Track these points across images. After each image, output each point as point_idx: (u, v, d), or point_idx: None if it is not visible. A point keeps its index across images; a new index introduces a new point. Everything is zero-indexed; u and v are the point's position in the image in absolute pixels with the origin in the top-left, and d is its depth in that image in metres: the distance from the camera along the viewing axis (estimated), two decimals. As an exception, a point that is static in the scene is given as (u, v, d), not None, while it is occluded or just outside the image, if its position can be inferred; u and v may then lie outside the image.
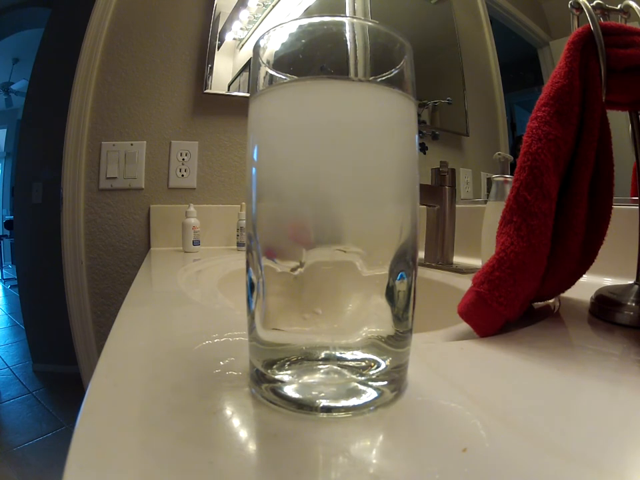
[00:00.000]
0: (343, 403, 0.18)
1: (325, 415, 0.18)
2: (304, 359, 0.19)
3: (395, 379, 0.20)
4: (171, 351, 0.27)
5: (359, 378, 0.19)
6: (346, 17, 0.22)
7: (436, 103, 1.01)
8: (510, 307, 0.30)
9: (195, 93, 1.15)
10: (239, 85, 1.16)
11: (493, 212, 0.55)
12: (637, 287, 0.35)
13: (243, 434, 0.17)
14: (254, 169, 0.20)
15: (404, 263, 0.19)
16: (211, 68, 1.14)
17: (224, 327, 0.33)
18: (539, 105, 0.33)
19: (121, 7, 1.09)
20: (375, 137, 0.19)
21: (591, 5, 0.34)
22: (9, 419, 1.53)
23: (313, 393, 0.18)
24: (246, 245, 0.21)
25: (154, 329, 0.35)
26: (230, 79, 1.16)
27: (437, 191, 0.69)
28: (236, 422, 0.18)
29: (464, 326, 0.33)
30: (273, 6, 1.17)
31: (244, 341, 0.24)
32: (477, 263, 0.67)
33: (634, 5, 0.36)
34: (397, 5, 1.22)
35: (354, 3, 1.21)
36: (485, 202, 0.59)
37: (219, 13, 1.15)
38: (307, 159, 0.19)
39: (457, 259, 0.71)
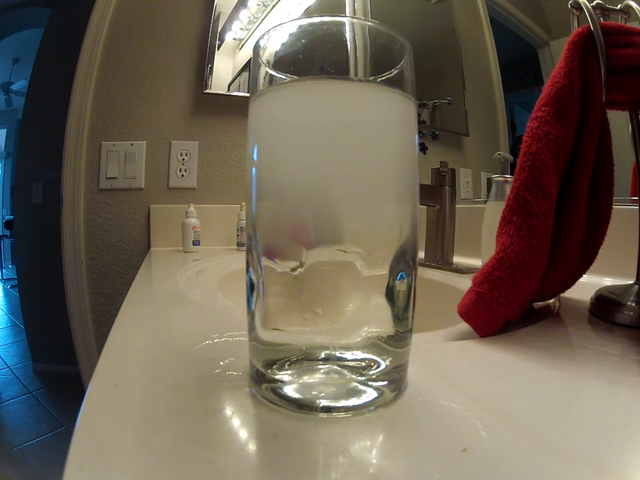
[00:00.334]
0: (343, 402, 0.18)
1: (324, 415, 0.18)
2: (304, 359, 0.19)
3: (395, 379, 0.20)
4: (171, 351, 0.27)
5: (359, 378, 0.19)
6: (346, 17, 0.22)
7: (436, 103, 1.01)
8: (510, 306, 0.30)
9: (194, 93, 1.15)
10: (239, 85, 1.16)
11: (493, 212, 0.55)
12: (636, 286, 0.35)
13: (243, 434, 0.17)
14: (254, 169, 0.20)
15: (404, 263, 0.19)
16: (211, 68, 1.14)
17: (224, 327, 0.33)
18: (539, 105, 0.33)
19: (120, 6, 1.09)
20: (375, 137, 0.19)
21: (591, 5, 0.34)
22: (9, 419, 1.53)
23: (313, 393, 0.18)
24: (246, 245, 0.21)
25: (154, 329, 0.35)
26: (230, 79, 1.16)
27: (436, 191, 0.69)
28: (236, 422, 0.18)
29: (464, 326, 0.33)
30: (273, 6, 1.17)
31: (244, 341, 0.24)
32: (477, 263, 0.67)
33: (634, 5, 0.36)
34: (397, 5, 1.22)
35: (354, 2, 1.21)
36: (485, 202, 0.59)
37: (219, 13, 1.15)
38: (307, 159, 0.19)
39: (457, 259, 0.71)
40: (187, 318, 0.39)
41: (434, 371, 0.24)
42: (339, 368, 0.18)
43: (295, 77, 0.19)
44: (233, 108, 1.16)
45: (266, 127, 0.20)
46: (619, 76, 0.33)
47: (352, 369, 0.19)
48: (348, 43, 0.20)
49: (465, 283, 0.55)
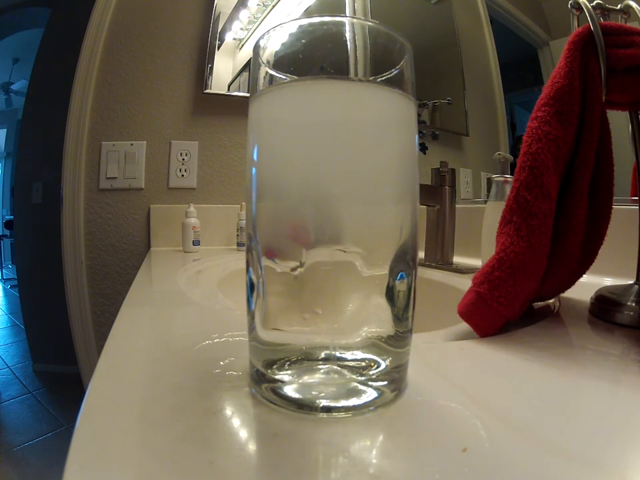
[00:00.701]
0: (343, 403, 0.18)
1: (325, 415, 0.18)
2: (304, 359, 0.19)
3: (395, 379, 0.20)
4: (171, 351, 0.27)
5: (359, 378, 0.19)
6: (346, 17, 0.22)
7: (436, 103, 1.01)
8: (510, 307, 0.30)
9: (195, 93, 1.15)
10: (239, 85, 1.16)
11: (493, 212, 0.55)
12: (637, 286, 0.35)
13: (243, 434, 0.17)
14: (254, 169, 0.20)
15: (404, 263, 0.19)
16: (211, 68, 1.14)
17: (224, 327, 0.33)
18: (539, 105, 0.33)
19: (120, 6, 1.09)
20: (375, 137, 0.19)
21: (591, 5, 0.34)
22: (9, 419, 1.53)
23: (313, 392, 0.18)
24: (246, 245, 0.21)
25: (154, 329, 0.35)
26: (230, 79, 1.16)
27: (436, 191, 0.69)
28: (236, 422, 0.18)
29: (464, 326, 0.33)
30: (273, 6, 1.17)
31: (244, 341, 0.24)
32: (477, 263, 0.67)
33: (634, 5, 0.36)
34: (397, 5, 1.22)
35: (354, 2, 1.21)
36: (485, 202, 0.59)
37: (219, 13, 1.15)
38: (307, 159, 0.19)
39: (457, 259, 0.71)
40: (186, 318, 0.39)
41: (434, 371, 0.24)
42: (338, 368, 0.18)
43: (295, 77, 0.19)
44: (233, 108, 1.16)
45: (266, 127, 0.20)
46: (619, 76, 0.33)
47: (352, 369, 0.19)
48: (348, 42, 0.20)
49: (464, 283, 0.55)
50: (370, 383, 0.19)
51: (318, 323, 0.18)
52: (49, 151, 1.73)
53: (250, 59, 1.14)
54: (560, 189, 0.34)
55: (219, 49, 1.14)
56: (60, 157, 1.07)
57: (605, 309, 0.35)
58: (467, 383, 0.22)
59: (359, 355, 0.19)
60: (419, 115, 0.46)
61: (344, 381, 0.18)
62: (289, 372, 0.19)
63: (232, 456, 0.15)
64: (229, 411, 0.19)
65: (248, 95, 0.36)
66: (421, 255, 0.72)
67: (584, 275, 0.37)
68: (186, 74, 1.14)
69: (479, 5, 0.92)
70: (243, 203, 1.02)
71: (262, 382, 0.19)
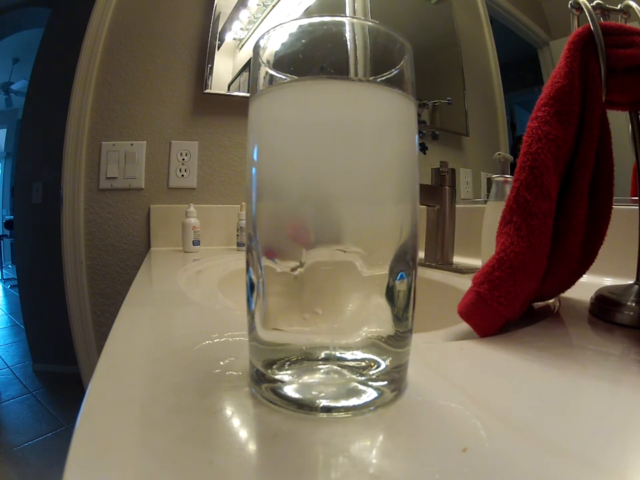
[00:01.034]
0: (343, 403, 0.18)
1: (324, 415, 0.18)
2: (304, 359, 0.19)
3: (395, 379, 0.20)
4: (171, 351, 0.27)
5: (359, 378, 0.19)
6: (346, 16, 0.22)
7: (436, 103, 1.01)
8: (510, 307, 0.30)
9: (195, 93, 1.15)
10: (239, 85, 1.16)
11: (493, 212, 0.55)
12: (637, 287, 0.35)
13: (243, 434, 0.17)
14: (254, 169, 0.20)
15: (404, 263, 0.19)
16: (211, 68, 1.14)
17: (224, 327, 0.33)
18: (539, 105, 0.33)
19: (120, 6, 1.09)
20: (375, 137, 0.19)
21: (591, 5, 0.34)
22: (9, 419, 1.53)
23: (313, 392, 0.18)
24: (246, 245, 0.21)
25: (154, 329, 0.35)
26: (230, 79, 1.16)
27: (436, 191, 0.69)
28: (236, 422, 0.18)
29: (464, 326, 0.33)
30: (273, 6, 1.17)
31: (244, 340, 0.24)
32: (477, 263, 0.67)
33: (634, 5, 0.36)
34: (397, 5, 1.22)
35: (354, 2, 1.21)
36: (485, 202, 0.59)
37: (219, 13, 1.15)
38: (307, 159, 0.19)
39: (457, 259, 0.71)
40: (186, 318, 0.39)
41: (434, 371, 0.24)
42: (339, 368, 0.18)
43: (295, 77, 0.19)
44: (233, 108, 1.16)
45: (266, 127, 0.20)
46: (619, 76, 0.33)
47: (352, 369, 0.19)
48: (348, 42, 0.20)
49: (464, 283, 0.55)
50: (370, 382, 0.19)
51: (318, 323, 0.18)
52: (48, 151, 1.73)
53: (250, 59, 1.14)
54: (560, 189, 0.34)
55: (218, 48, 1.14)
56: (60, 157, 1.07)
57: (605, 308, 0.35)
58: (467, 383, 0.22)
59: (359, 355, 0.19)
60: (419, 115, 0.46)
61: (344, 380, 0.18)
62: (289, 372, 0.19)
63: (232, 456, 0.15)
64: (228, 411, 0.19)
65: (248, 95, 0.36)
66: (421, 254, 0.72)
67: (584, 275, 0.37)
68: (186, 74, 1.14)
69: (479, 5, 0.92)
70: (243, 203, 1.02)
71: (262, 382, 0.19)
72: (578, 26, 0.36)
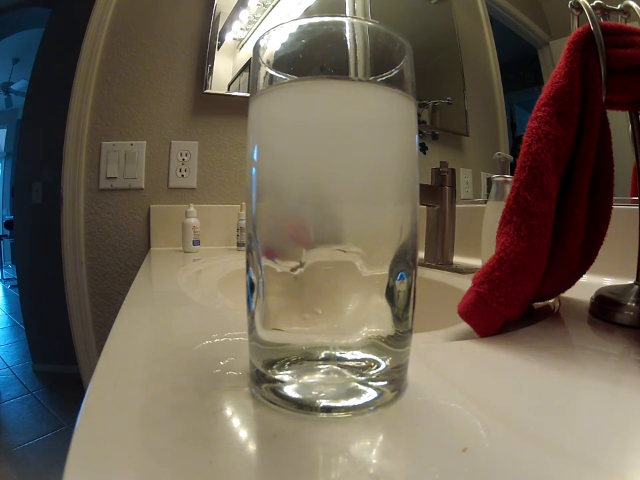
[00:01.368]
0: (343, 403, 0.18)
1: (324, 415, 0.18)
2: (304, 359, 0.19)
3: (395, 379, 0.20)
4: (171, 351, 0.27)
5: (359, 378, 0.19)
6: (346, 17, 0.22)
7: (436, 103, 1.01)
8: (510, 307, 0.30)
9: (195, 93, 1.15)
10: (239, 85, 1.16)
11: (493, 212, 0.55)
12: (636, 287, 0.35)
13: (243, 434, 0.17)
14: (254, 169, 0.20)
15: (404, 263, 0.19)
16: (211, 68, 1.14)
17: (224, 327, 0.33)
18: (539, 105, 0.33)
19: (120, 6, 1.09)
20: (375, 137, 0.19)
21: (591, 5, 0.34)
22: (9, 419, 1.53)
23: (313, 392, 0.18)
24: (246, 245, 0.21)
25: (154, 329, 0.35)
26: (230, 79, 1.16)
27: (436, 191, 0.69)
28: (236, 422, 0.18)
29: (464, 326, 0.33)
30: (273, 6, 1.17)
31: (244, 340, 0.24)
32: (477, 263, 0.67)
33: (634, 5, 0.36)
34: (397, 5, 1.22)
35: (354, 2, 1.21)
36: (485, 202, 0.59)
37: (219, 13, 1.15)
38: (307, 159, 0.19)
39: (457, 259, 0.71)
40: (187, 318, 0.39)
41: (434, 371, 0.24)
42: (339, 368, 0.18)
43: (295, 77, 0.19)
44: (233, 108, 1.16)
45: (266, 127, 0.20)
46: (619, 76, 0.33)
47: (352, 369, 0.19)
48: (348, 42, 0.20)
49: (464, 283, 0.55)
50: (370, 382, 0.19)
51: (318, 323, 0.18)
52: (49, 151, 1.73)
53: (250, 59, 1.14)
54: (560, 189, 0.34)
55: (219, 48, 1.14)
56: (60, 157, 1.07)
57: (605, 308, 0.35)
58: (467, 383, 0.22)
59: (359, 354, 0.19)
60: (419, 115, 0.46)
61: (344, 380, 0.18)
62: (289, 372, 0.19)
63: (232, 456, 0.15)
64: (228, 411, 0.19)
65: (248, 95, 0.36)
66: (421, 254, 0.72)
67: (584, 275, 0.37)
68: (186, 74, 1.14)
69: (479, 5, 0.92)
70: (243, 203, 1.02)
71: (262, 382, 0.19)
72: (578, 26, 0.36)
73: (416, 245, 0.20)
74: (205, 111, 1.15)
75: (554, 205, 0.32)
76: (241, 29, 1.17)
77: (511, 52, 0.86)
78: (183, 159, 1.13)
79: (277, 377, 0.19)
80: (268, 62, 0.20)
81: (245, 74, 1.16)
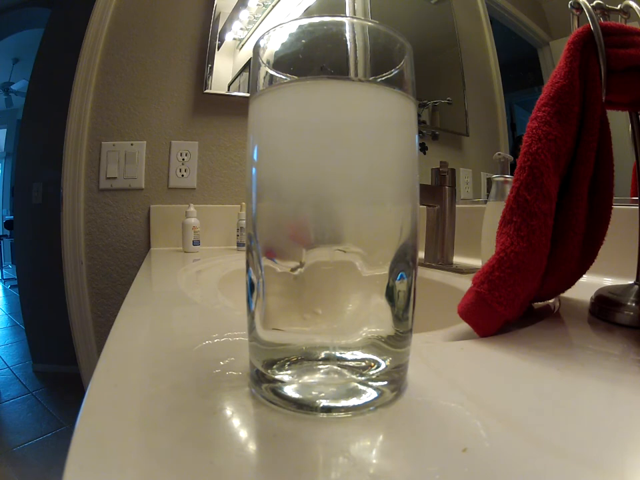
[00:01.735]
0: (343, 403, 0.18)
1: (324, 415, 0.18)
2: (304, 359, 0.19)
3: (395, 379, 0.20)
4: (171, 351, 0.27)
5: (359, 378, 0.19)
6: (346, 17, 0.22)
7: (436, 103, 1.01)
8: (510, 307, 0.30)
9: (195, 93, 1.15)
10: (239, 85, 1.16)
11: (493, 212, 0.55)
12: (636, 287, 0.35)
13: (243, 434, 0.17)
14: (254, 169, 0.20)
15: (404, 263, 0.19)
16: (211, 68, 1.14)
17: (224, 326, 0.33)
18: (539, 105, 0.33)
19: (121, 6, 1.09)
20: (375, 137, 0.19)
21: (591, 5, 0.34)
22: (9, 418, 1.53)
23: (313, 392, 0.18)
24: (246, 245, 0.21)
25: (154, 329, 0.35)
26: (230, 79, 1.16)
27: (436, 191, 0.69)
28: (236, 422, 0.18)
29: (464, 326, 0.33)
30: (273, 6, 1.17)
31: (244, 340, 0.24)
32: (477, 263, 0.67)
33: (634, 5, 0.36)
34: (397, 5, 1.22)
35: (354, 2, 1.21)
36: (485, 202, 0.59)
37: (219, 13, 1.15)
38: (307, 159, 0.19)
39: (457, 259, 0.71)
40: (186, 318, 0.39)
41: (434, 371, 0.24)
42: (339, 368, 0.18)
43: (295, 77, 0.19)
44: (233, 108, 1.16)
45: (266, 127, 0.20)
46: (619, 76, 0.33)
47: (352, 369, 0.19)
48: (348, 43, 0.20)
49: (464, 283, 0.55)
50: (370, 383, 0.19)
51: (318, 323, 0.18)
52: (48, 151, 1.73)
53: (250, 59, 1.14)
54: (560, 189, 0.34)
55: (219, 49, 1.14)
56: (60, 157, 1.07)
57: (605, 308, 0.35)
58: (467, 383, 0.22)
59: (359, 355, 0.19)
60: (419, 115, 0.46)
61: (344, 381, 0.18)
62: (288, 372, 0.19)
63: (232, 456, 0.15)
64: (229, 411, 0.19)
65: (248, 95, 0.36)
66: (421, 254, 0.72)
67: (584, 275, 0.37)
68: (186, 74, 1.14)
69: (479, 5, 0.92)
70: (243, 203, 1.02)
71: (262, 382, 0.19)
72: (578, 26, 0.36)
73: (416, 245, 0.20)
74: (205, 111, 1.15)
75: (554, 205, 0.32)
76: (241, 29, 1.17)
77: (511, 52, 0.86)
78: (183, 159, 1.13)
79: (276, 376, 0.19)
80: (268, 62, 0.20)
81: (245, 74, 1.16)
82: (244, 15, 1.16)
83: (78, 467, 0.15)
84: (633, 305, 0.33)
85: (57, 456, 1.27)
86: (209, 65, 1.13)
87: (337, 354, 0.18)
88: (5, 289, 4.18)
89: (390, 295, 0.19)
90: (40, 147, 1.86)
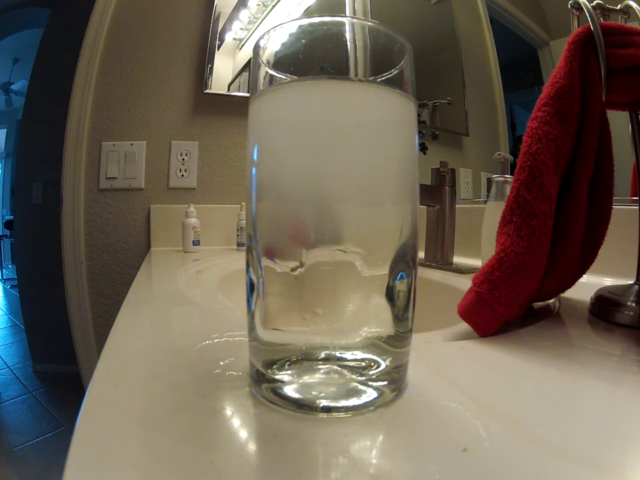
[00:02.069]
0: (343, 403, 0.18)
1: (325, 415, 0.18)
2: (304, 359, 0.19)
3: (395, 379, 0.20)
4: (171, 351, 0.27)
5: (359, 378, 0.19)
6: (346, 17, 0.22)
7: (436, 103, 1.01)
8: (510, 307, 0.30)
9: (195, 92, 1.15)
10: (239, 85, 1.16)
11: (493, 212, 0.55)
12: (636, 287, 0.35)
13: (243, 434, 0.17)
14: (254, 169, 0.20)
15: (404, 263, 0.19)
16: (211, 68, 1.14)
17: (224, 326, 0.33)
18: (539, 105, 0.33)
19: (121, 6, 1.09)
20: (375, 137, 0.19)
21: (591, 5, 0.34)
22: (9, 418, 1.53)
23: (313, 392, 0.18)
24: (246, 245, 0.21)
25: (154, 329, 0.35)
26: (230, 79, 1.16)
27: (436, 191, 0.69)
28: (236, 422, 0.18)
29: (464, 326, 0.33)
30: (273, 6, 1.17)
31: (244, 340, 0.24)
32: (477, 263, 0.67)
33: (634, 5, 0.36)
34: (397, 5, 1.22)
35: (354, 2, 1.21)
36: (485, 202, 0.59)
37: (219, 13, 1.15)
38: (307, 159, 0.19)
39: (457, 259, 0.71)
40: (187, 318, 0.39)
41: (434, 371, 0.24)
42: (339, 368, 0.18)
43: (295, 77, 0.19)
44: (233, 108, 1.16)
45: (266, 127, 0.20)
46: (619, 76, 0.33)
47: (352, 369, 0.19)
48: (348, 43, 0.20)
49: (464, 283, 0.55)
50: (370, 383, 0.19)
51: (318, 323, 0.18)
52: (48, 151, 1.73)
53: (250, 59, 1.14)
54: (560, 189, 0.34)
55: (219, 49, 1.14)
56: (60, 157, 1.07)
57: (605, 308, 0.35)
58: (467, 383, 0.22)
59: (359, 355, 0.19)
60: (419, 115, 0.46)
61: (344, 381, 0.18)
62: (288, 372, 0.19)
63: (232, 456, 0.15)
64: (229, 411, 0.19)
65: (248, 95, 0.36)
66: (421, 254, 0.72)
67: (584, 275, 0.37)
68: (186, 74, 1.14)
69: (479, 5, 0.92)
70: (243, 203, 1.02)
71: (262, 382, 0.19)
72: (578, 26, 0.36)
73: (416, 245, 0.20)
74: (205, 111, 1.15)
75: (554, 205, 0.32)
76: (241, 29, 1.17)
77: (511, 52, 0.86)
78: (183, 159, 1.13)
79: (276, 377, 0.19)
80: (268, 62, 0.20)
81: (245, 74, 1.16)
82: (244, 15, 1.16)
83: (78, 467, 0.15)
84: (633, 304, 0.33)
85: (56, 456, 1.27)
86: (209, 65, 1.13)
87: (337, 354, 0.18)
88: (5, 289, 4.18)
89: (390, 294, 0.19)
90: (40, 147, 1.86)
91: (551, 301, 0.41)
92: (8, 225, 4.28)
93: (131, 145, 1.10)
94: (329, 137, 0.18)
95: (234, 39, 1.16)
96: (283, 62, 0.20)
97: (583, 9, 0.34)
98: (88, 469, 0.14)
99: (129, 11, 1.10)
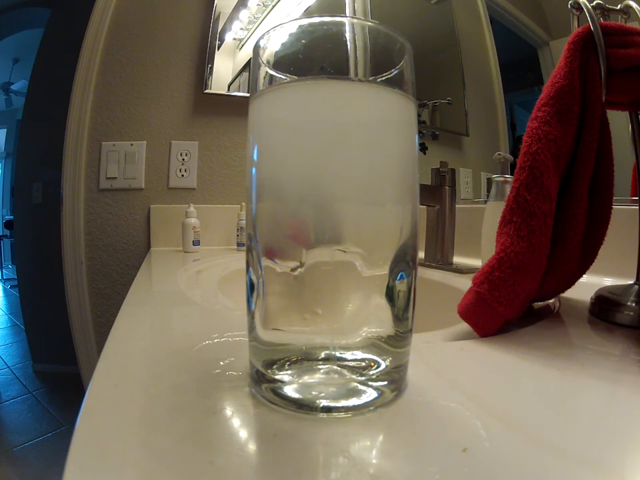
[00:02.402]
0: (343, 403, 0.18)
1: (325, 415, 0.18)
2: (304, 359, 0.19)
3: (395, 379, 0.20)
4: (171, 351, 0.27)
5: (359, 378, 0.19)
6: (346, 17, 0.22)
7: (436, 103, 1.01)
8: (510, 307, 0.30)
9: (195, 92, 1.15)
10: (239, 85, 1.16)
11: (493, 212, 0.55)
12: (636, 287, 0.35)
13: (243, 434, 0.17)
14: (254, 169, 0.20)
15: (404, 263, 0.19)
16: (211, 68, 1.14)
17: (224, 327, 0.33)
18: (539, 105, 0.33)
19: (121, 6, 1.09)
20: (375, 137, 0.19)
21: (591, 5, 0.34)
22: (9, 419, 1.53)
23: (313, 393, 0.18)
24: (246, 245, 0.21)
25: (154, 329, 0.35)
26: (230, 79, 1.16)
27: (436, 191, 0.69)
28: (236, 422, 0.18)
29: (464, 326, 0.33)
30: (273, 6, 1.17)
31: (244, 341, 0.24)
32: (477, 263, 0.67)
33: (634, 5, 0.36)
34: (397, 5, 1.22)
35: (354, 2, 1.21)
36: (485, 202, 0.59)
37: (219, 13, 1.15)
38: (307, 159, 0.19)
39: (457, 259, 0.71)
40: (187, 318, 0.39)
41: (434, 371, 0.24)
42: (338, 368, 0.18)
43: (295, 77, 0.19)
44: (233, 108, 1.16)
45: (266, 127, 0.20)
46: (619, 76, 0.33)
47: (352, 369, 0.19)
48: (348, 43, 0.20)
49: (464, 283, 0.55)
50: (370, 383, 0.19)
51: (318, 323, 0.18)
52: (48, 151, 1.73)
53: (250, 59, 1.14)
54: (560, 189, 0.34)
55: (219, 49, 1.14)
56: (60, 157, 1.07)
57: (605, 308, 0.35)
58: (467, 383, 0.22)
59: (359, 355, 0.19)
60: (419, 115, 0.46)
61: (344, 381, 0.18)
62: (288, 372, 0.19)
63: (232, 456, 0.15)
64: (229, 411, 0.19)
65: (248, 95, 0.36)
66: (421, 254, 0.72)
67: (584, 275, 0.37)
68: (186, 74, 1.14)
69: (479, 5, 0.92)
70: (243, 203, 1.02)
71: (262, 382, 0.19)
72: (578, 26, 0.36)
73: (416, 245, 0.20)
74: (205, 111, 1.15)
75: (554, 205, 0.32)
76: (241, 29, 1.17)
77: (511, 52, 0.86)
78: (183, 159, 1.13)
79: (276, 377, 0.19)
80: (268, 62, 0.20)
81: (245, 74, 1.16)
82: (244, 14, 1.16)
83: (78, 467, 0.15)
84: (633, 304, 0.33)
85: (56, 456, 1.27)
86: (209, 65, 1.13)
87: (337, 354, 0.18)
88: (5, 289, 4.18)
89: (390, 295, 0.19)
90: (40, 147, 1.86)
91: (550, 301, 0.41)
92: (8, 225, 4.28)
93: (131, 145, 1.10)
94: (329, 137, 0.18)
95: (234, 39, 1.16)
96: (283, 62, 0.20)
97: (582, 8, 0.34)
98: (88, 468, 0.14)
99: (128, 11, 1.10)
